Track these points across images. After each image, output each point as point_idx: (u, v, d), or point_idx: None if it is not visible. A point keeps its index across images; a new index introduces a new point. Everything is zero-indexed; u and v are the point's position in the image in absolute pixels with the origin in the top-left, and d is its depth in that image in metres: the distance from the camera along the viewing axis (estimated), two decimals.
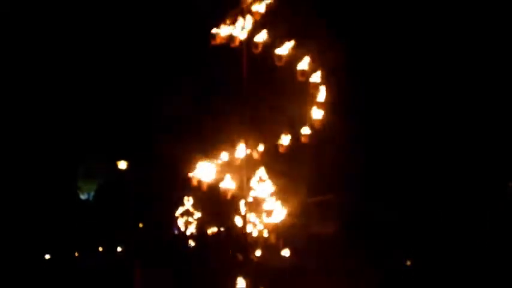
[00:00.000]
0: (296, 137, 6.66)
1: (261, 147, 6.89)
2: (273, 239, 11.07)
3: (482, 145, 17.73)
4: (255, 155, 6.82)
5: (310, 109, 6.72)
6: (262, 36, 6.38)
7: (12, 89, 20.28)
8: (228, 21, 6.45)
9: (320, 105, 6.67)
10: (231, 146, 7.15)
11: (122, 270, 12.88)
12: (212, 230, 14.75)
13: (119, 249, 18.52)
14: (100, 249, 19.98)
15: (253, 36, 6.63)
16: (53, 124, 22.13)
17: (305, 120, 6.74)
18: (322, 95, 6.56)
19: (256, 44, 6.44)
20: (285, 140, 6.71)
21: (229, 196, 6.69)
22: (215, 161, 7.09)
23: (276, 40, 6.36)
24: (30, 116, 21.38)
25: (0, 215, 18.85)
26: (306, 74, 6.50)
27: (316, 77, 6.52)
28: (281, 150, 6.73)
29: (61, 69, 21.36)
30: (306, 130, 6.70)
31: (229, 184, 6.70)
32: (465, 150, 18.35)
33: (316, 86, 6.55)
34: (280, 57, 6.40)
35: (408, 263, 10.95)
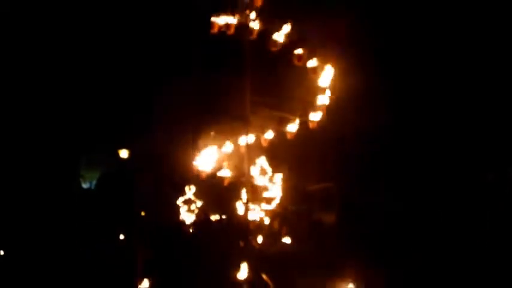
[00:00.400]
0: (304, 123, 6.65)
1: (269, 135, 6.90)
2: (276, 226, 11.13)
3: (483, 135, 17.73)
4: (263, 142, 6.85)
5: (316, 94, 6.72)
6: (257, 23, 6.40)
7: (14, 79, 20.30)
8: (227, 10, 6.47)
9: (322, 90, 6.66)
10: (234, 134, 7.16)
11: (124, 257, 12.97)
12: (214, 217, 14.79)
13: (121, 237, 18.56)
14: (103, 237, 19.99)
15: (255, 24, 6.65)
16: (55, 114, 22.16)
17: (313, 106, 6.74)
18: (323, 79, 6.55)
19: (251, 31, 6.46)
20: (293, 126, 6.71)
21: (226, 183, 6.74)
22: (217, 149, 7.12)
23: (273, 25, 6.37)
24: (32, 106, 21.40)
25: (3, 203, 18.98)
26: (304, 59, 6.51)
27: (314, 62, 6.52)
28: (289, 137, 6.75)
29: (62, 60, 21.31)
30: (314, 116, 6.70)
31: (226, 172, 6.75)
32: (466, 141, 18.35)
33: (314, 70, 6.55)
34: (275, 42, 6.41)
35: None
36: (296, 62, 6.60)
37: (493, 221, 15.04)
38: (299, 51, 6.58)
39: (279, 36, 6.52)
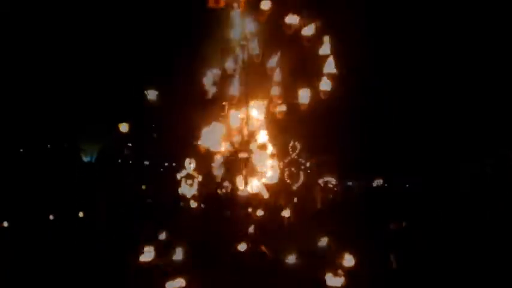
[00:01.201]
0: (316, 93, 6.67)
1: (282, 107, 6.94)
2: (280, 200, 11.23)
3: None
4: (279, 115, 6.91)
5: (318, 64, 6.73)
6: None
7: (16, 55, 20.27)
8: None
9: (323, 58, 6.67)
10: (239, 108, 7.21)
11: (126, 231, 13.16)
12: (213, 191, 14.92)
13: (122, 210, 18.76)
14: (103, 210, 20.18)
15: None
16: (55, 88, 22.17)
17: (320, 75, 6.75)
18: (324, 48, 6.55)
19: (239, 2, 6.48)
20: (305, 98, 6.76)
21: (219, 157, 6.85)
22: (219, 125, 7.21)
23: None
24: (33, 81, 21.41)
25: (7, 178, 19.16)
26: (294, 28, 6.50)
27: (308, 30, 6.50)
28: (302, 108, 6.80)
29: (62, 36, 21.23)
30: (324, 85, 6.72)
31: (220, 147, 6.86)
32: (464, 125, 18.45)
33: (308, 39, 6.55)
34: (262, 11, 6.43)
35: (403, 224, 11.14)
36: (287, 31, 6.60)
37: (493, 205, 15.26)
38: (289, 20, 6.59)
39: (265, 5, 6.52)
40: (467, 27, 17.29)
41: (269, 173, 8.16)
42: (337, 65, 6.82)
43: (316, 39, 6.72)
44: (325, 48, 6.64)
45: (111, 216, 17.65)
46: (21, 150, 21.47)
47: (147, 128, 21.86)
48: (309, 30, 6.53)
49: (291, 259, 7.53)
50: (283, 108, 6.95)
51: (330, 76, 6.55)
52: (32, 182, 19.93)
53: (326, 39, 6.76)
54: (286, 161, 20.04)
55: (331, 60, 6.63)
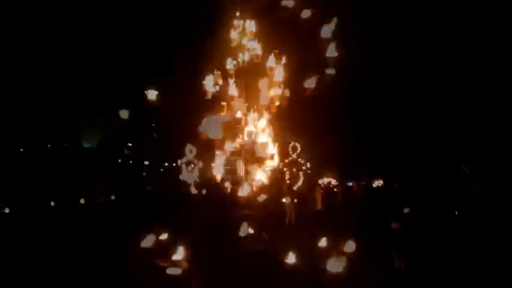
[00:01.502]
0: (321, 78, 6.70)
1: (286, 93, 6.97)
2: (283, 188, 11.21)
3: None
4: (283, 101, 6.94)
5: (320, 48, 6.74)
6: None
7: (17, 42, 20.27)
8: None
9: (324, 42, 6.68)
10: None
11: (127, 218, 13.27)
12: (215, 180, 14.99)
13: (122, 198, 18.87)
14: (103, 197, 20.30)
15: None
16: (57, 76, 22.18)
17: (325, 60, 6.76)
18: (324, 31, 6.56)
19: None
20: (311, 82, 6.79)
21: (217, 147, 6.91)
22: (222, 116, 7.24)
23: None
24: (34, 68, 21.41)
25: (7, 164, 19.23)
26: (291, 11, 6.51)
27: (306, 14, 6.51)
28: (308, 93, 6.85)
29: (64, 22, 21.19)
30: (329, 70, 6.75)
31: (217, 134, 6.90)
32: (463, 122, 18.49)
33: (308, 22, 6.56)
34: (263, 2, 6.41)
35: (406, 210, 11.20)
36: (284, 15, 6.61)
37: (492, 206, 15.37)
38: (286, 3, 6.60)
39: None
40: (467, 27, 17.31)
41: (269, 164, 8.21)
42: (337, 64, 6.84)
43: (318, 33, 6.72)
44: (327, 32, 6.65)
45: (111, 202, 17.73)
46: (24, 137, 21.49)
47: (147, 127, 21.90)
48: (305, 14, 6.53)
49: (291, 258, 7.57)
50: (286, 93, 6.96)
51: (332, 61, 6.58)
52: (34, 169, 20.01)
53: (328, 28, 6.77)
54: (286, 161, 20.10)
55: (332, 46, 6.66)
